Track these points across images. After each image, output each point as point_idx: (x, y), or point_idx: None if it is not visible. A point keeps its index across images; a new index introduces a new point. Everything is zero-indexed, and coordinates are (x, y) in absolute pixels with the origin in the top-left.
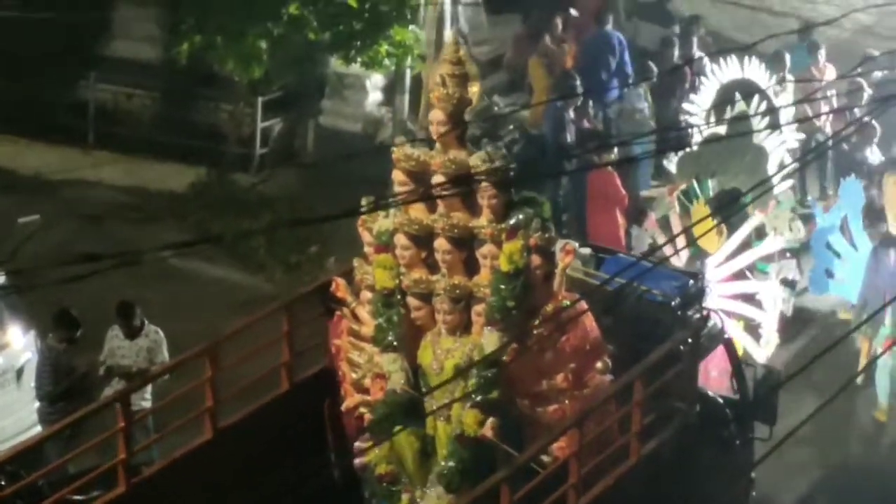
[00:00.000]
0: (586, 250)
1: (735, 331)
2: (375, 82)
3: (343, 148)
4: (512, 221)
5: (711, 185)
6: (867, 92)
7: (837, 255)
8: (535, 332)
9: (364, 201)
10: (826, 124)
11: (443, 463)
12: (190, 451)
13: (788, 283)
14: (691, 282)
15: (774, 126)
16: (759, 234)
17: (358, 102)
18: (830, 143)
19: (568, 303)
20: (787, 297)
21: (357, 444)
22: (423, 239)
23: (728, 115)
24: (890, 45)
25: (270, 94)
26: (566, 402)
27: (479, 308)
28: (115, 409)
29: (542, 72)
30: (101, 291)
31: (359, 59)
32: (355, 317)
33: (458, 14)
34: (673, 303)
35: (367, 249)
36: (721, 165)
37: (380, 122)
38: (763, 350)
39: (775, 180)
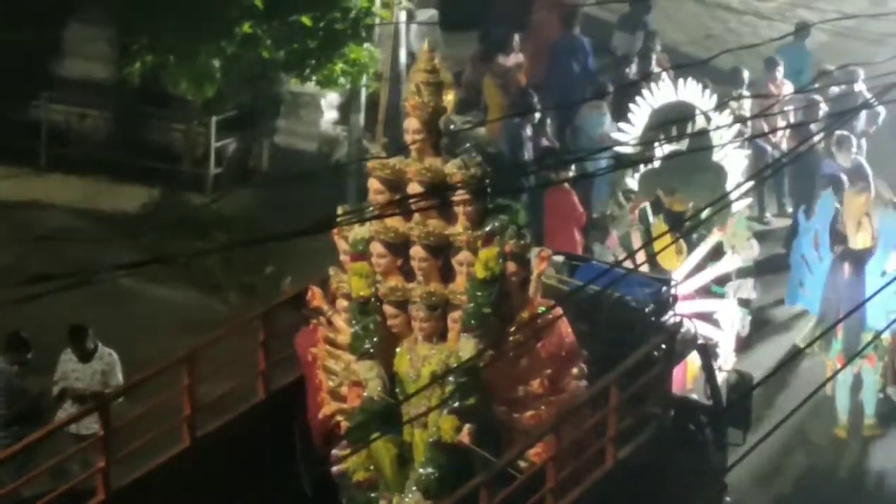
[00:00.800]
0: (559, 257)
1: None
2: (330, 101)
3: (298, 167)
4: (487, 228)
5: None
6: (823, 108)
7: (808, 267)
8: (511, 338)
9: (339, 210)
10: (783, 140)
11: (420, 469)
12: (168, 460)
13: (745, 303)
14: (664, 288)
15: (728, 142)
16: (717, 252)
17: (313, 121)
18: (792, 156)
19: (544, 309)
20: (744, 317)
21: (334, 451)
22: (398, 247)
23: (673, 133)
24: (844, 60)
25: (224, 113)
26: (542, 407)
27: (455, 315)
28: (67, 433)
29: (495, 91)
30: (53, 313)
31: (313, 78)
32: (331, 325)
33: (410, 33)
34: (647, 309)
35: (342, 258)
36: (682, 183)
37: (335, 141)
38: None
39: (731, 197)
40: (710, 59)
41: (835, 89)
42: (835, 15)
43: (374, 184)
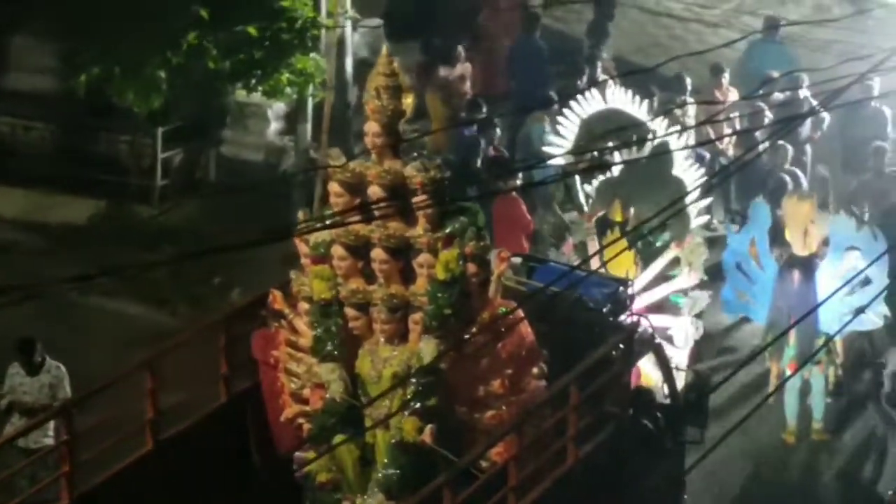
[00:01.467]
0: (517, 259)
1: (644, 364)
2: (277, 111)
3: (245, 177)
4: (447, 230)
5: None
6: (768, 114)
7: (747, 276)
8: (471, 339)
9: (301, 215)
10: (729, 147)
11: (383, 470)
12: (131, 464)
13: (700, 318)
14: (621, 288)
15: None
16: (672, 267)
17: (260, 131)
18: (739, 164)
19: (504, 310)
20: (698, 331)
21: (298, 454)
22: (359, 249)
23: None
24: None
25: (170, 124)
26: (503, 407)
27: (416, 317)
28: (16, 448)
29: (438, 104)
30: (0, 326)
31: (260, 88)
32: (293, 328)
33: (355, 43)
34: (604, 309)
35: (303, 261)
36: (640, 195)
37: (282, 151)
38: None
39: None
40: (657, 66)
41: (779, 96)
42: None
43: (334, 187)
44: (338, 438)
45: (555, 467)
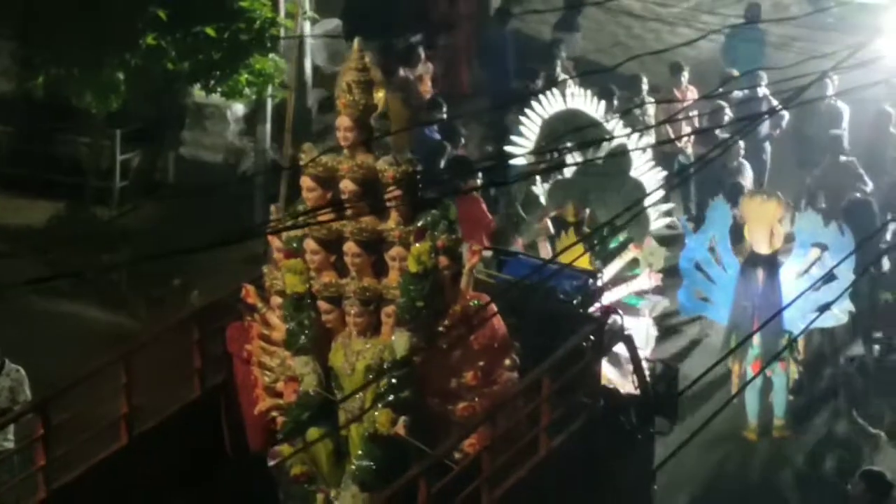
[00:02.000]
0: (488, 252)
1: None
2: (236, 112)
3: (205, 179)
4: (419, 224)
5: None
6: (728, 113)
7: (707, 276)
8: (444, 331)
9: (273, 208)
10: (688, 146)
11: (356, 462)
12: (106, 458)
13: (659, 319)
14: (590, 280)
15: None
16: (630, 268)
17: (219, 133)
18: (702, 163)
19: (477, 302)
20: (658, 333)
21: (274, 447)
22: (332, 243)
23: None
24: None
25: (129, 126)
26: (476, 399)
27: (388, 309)
28: None
29: (398, 104)
30: None
31: (219, 89)
32: (266, 322)
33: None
34: (574, 301)
35: (276, 255)
36: (596, 196)
37: (241, 152)
38: (629, 383)
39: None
40: (616, 66)
41: (739, 94)
42: (737, 20)
43: (306, 181)
44: (312, 433)
45: (527, 458)
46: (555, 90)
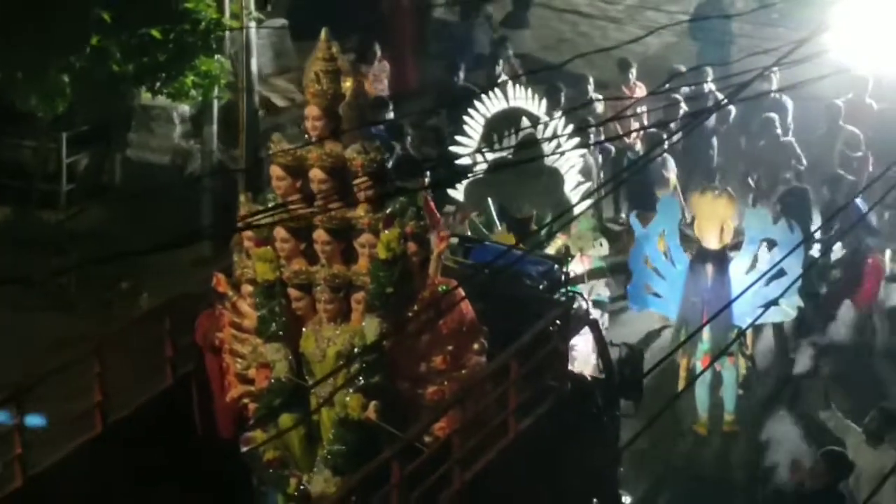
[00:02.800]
0: (454, 239)
1: None
2: (183, 113)
3: (152, 180)
4: (388, 211)
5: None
6: (682, 107)
7: (656, 271)
8: (413, 316)
9: (242, 197)
10: (637, 141)
11: (328, 447)
12: (81, 445)
13: (599, 304)
14: (555, 266)
15: (572, 148)
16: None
17: (165, 134)
18: (647, 159)
19: (445, 287)
20: (600, 317)
21: (246, 434)
22: (301, 231)
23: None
24: (694, 61)
25: (75, 128)
26: (445, 382)
27: (358, 296)
28: None
29: (346, 104)
30: None
31: (165, 91)
32: (237, 310)
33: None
34: (541, 286)
35: (246, 244)
36: (515, 191)
37: (188, 154)
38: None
39: (576, 198)
40: (562, 64)
41: (685, 90)
42: (683, 17)
43: (276, 171)
44: (285, 419)
45: (497, 440)
46: (497, 89)
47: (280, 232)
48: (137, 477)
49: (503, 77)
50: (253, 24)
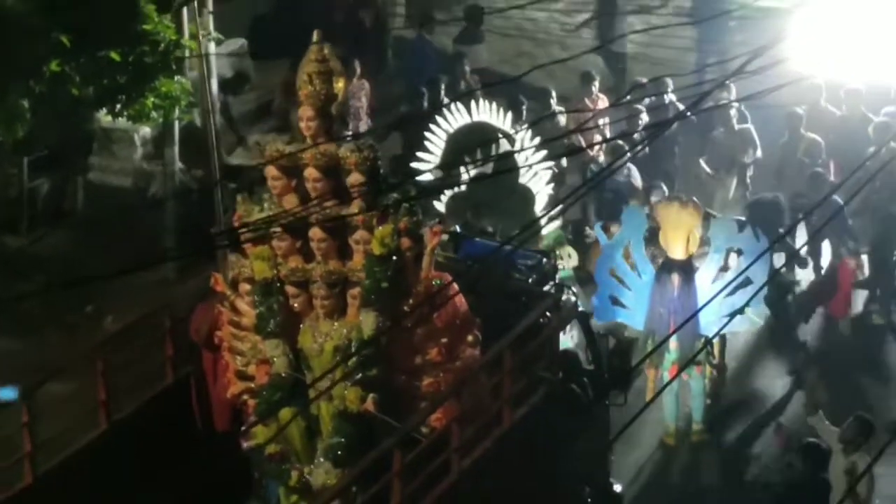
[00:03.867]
0: (444, 235)
1: None
2: (144, 135)
3: (114, 203)
4: (381, 207)
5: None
6: (644, 118)
7: (622, 282)
8: (408, 310)
9: (238, 196)
10: (600, 154)
11: (328, 440)
12: (88, 443)
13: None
14: (544, 260)
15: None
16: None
17: (127, 157)
18: (610, 171)
19: (439, 281)
20: (570, 328)
21: (244, 428)
22: (297, 229)
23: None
24: (657, 71)
25: (36, 153)
26: (440, 374)
27: (354, 291)
28: None
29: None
30: None
31: (125, 113)
32: (235, 309)
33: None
34: (530, 279)
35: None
36: (490, 207)
37: (150, 176)
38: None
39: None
40: (521, 76)
41: (646, 101)
42: (642, 26)
43: (271, 171)
44: (285, 413)
45: (492, 429)
46: (459, 104)
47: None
48: (142, 472)
49: (463, 91)
50: (212, 44)
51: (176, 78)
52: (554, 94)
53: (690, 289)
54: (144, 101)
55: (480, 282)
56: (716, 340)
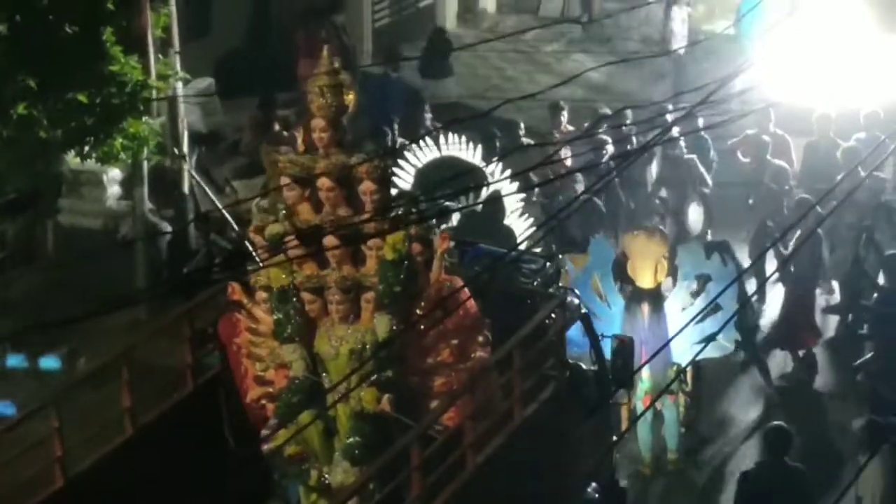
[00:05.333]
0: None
1: None
2: (113, 176)
3: (84, 245)
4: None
5: None
6: (609, 149)
7: (592, 312)
8: (420, 313)
9: (254, 207)
10: (570, 184)
11: (346, 440)
12: (115, 448)
13: None
14: (547, 264)
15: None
16: None
17: (96, 198)
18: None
19: (450, 285)
20: None
21: (263, 431)
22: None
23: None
24: (624, 98)
25: (4, 196)
26: (452, 374)
27: (368, 296)
28: None
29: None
30: None
31: (94, 155)
32: (252, 316)
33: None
34: (535, 282)
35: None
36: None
37: (120, 217)
38: None
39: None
40: (491, 110)
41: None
42: (610, 57)
43: (285, 181)
44: (305, 416)
45: (503, 426)
46: (428, 139)
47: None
48: (167, 476)
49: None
50: (180, 84)
51: (144, 119)
52: (522, 126)
53: (660, 318)
54: (113, 142)
55: (488, 285)
56: (688, 368)
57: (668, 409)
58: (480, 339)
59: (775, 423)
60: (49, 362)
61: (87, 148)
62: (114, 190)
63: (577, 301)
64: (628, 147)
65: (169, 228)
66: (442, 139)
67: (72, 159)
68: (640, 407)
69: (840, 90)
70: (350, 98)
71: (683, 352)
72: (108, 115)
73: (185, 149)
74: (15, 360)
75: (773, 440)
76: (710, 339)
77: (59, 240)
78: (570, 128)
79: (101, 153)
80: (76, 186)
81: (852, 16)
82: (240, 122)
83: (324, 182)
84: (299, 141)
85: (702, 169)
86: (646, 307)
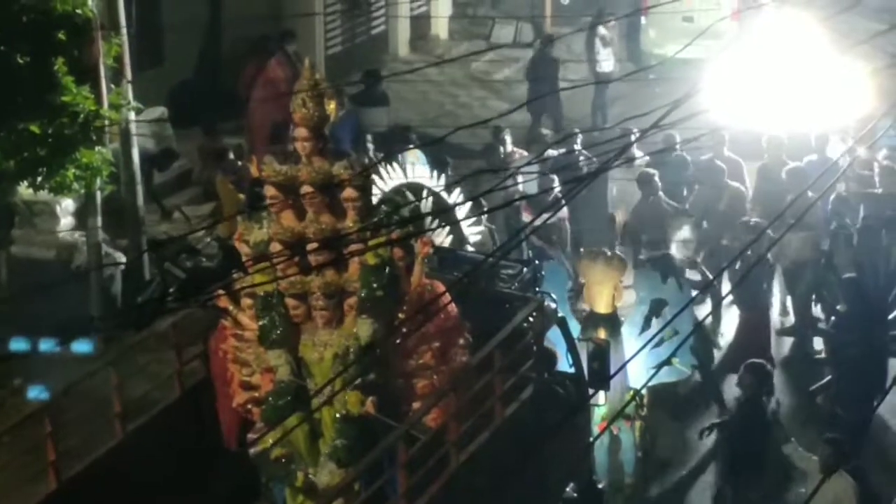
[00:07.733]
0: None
1: None
2: (66, 207)
3: (37, 276)
4: (374, 220)
5: None
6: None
7: (547, 338)
8: (402, 317)
9: (239, 220)
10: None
11: (331, 442)
12: (105, 454)
13: None
14: (524, 269)
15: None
16: None
17: (49, 229)
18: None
19: (431, 288)
20: None
21: (249, 434)
22: (295, 244)
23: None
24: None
25: None
26: (434, 376)
27: (351, 301)
28: None
29: (229, 188)
30: None
31: (47, 185)
32: (238, 322)
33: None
34: (513, 287)
35: (245, 260)
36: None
37: (74, 247)
38: None
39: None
40: (444, 137)
41: (553, 153)
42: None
43: (269, 190)
44: (291, 419)
45: (484, 426)
46: (395, 165)
47: (276, 246)
48: (157, 477)
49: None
50: (132, 113)
51: (97, 148)
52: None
53: (617, 342)
54: (65, 172)
55: (467, 290)
56: (644, 392)
57: (625, 433)
58: (461, 341)
59: (754, 360)
60: None
61: (39, 178)
62: (67, 220)
63: (553, 305)
64: (582, 171)
65: (123, 259)
66: (409, 165)
67: (24, 190)
68: (596, 432)
69: (792, 113)
70: (331, 108)
71: (640, 376)
72: (61, 146)
73: (138, 178)
74: None
75: (758, 374)
76: (664, 363)
77: (12, 271)
78: (518, 150)
79: (54, 184)
80: (29, 217)
81: (805, 37)
82: (192, 151)
83: (307, 189)
84: (252, 169)
85: (656, 179)
86: (602, 332)
